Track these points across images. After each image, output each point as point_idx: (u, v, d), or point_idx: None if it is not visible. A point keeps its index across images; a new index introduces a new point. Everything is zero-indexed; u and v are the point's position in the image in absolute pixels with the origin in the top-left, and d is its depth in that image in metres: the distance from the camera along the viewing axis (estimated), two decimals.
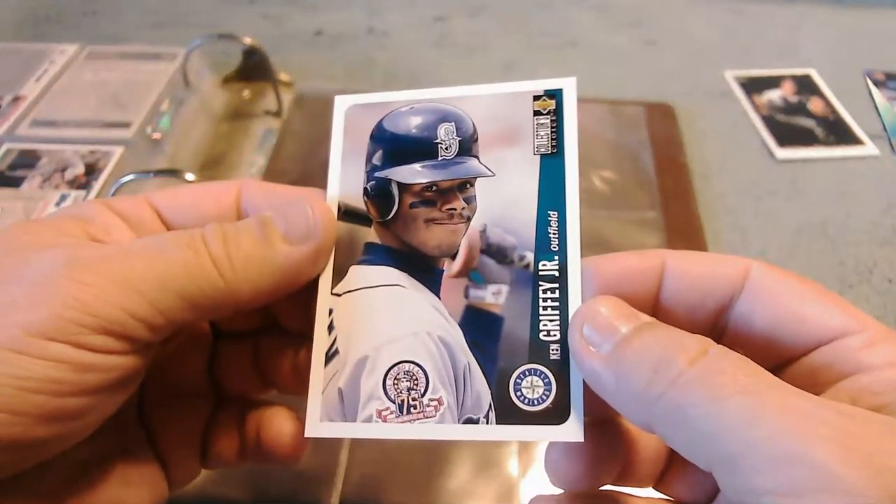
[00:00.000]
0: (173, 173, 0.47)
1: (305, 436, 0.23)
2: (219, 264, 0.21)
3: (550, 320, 0.22)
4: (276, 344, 0.26)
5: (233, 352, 0.27)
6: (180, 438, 0.25)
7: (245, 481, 0.37)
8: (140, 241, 0.21)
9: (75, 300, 0.18)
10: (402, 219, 0.24)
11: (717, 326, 0.22)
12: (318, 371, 0.23)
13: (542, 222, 0.23)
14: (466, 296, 0.23)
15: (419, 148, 0.24)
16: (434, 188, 0.24)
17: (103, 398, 0.20)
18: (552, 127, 0.24)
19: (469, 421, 0.22)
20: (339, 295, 0.24)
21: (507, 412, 0.22)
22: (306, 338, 0.24)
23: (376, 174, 0.25)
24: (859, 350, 0.19)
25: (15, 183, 0.49)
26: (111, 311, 0.19)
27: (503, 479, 0.38)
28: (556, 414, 0.21)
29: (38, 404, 0.18)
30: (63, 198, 0.48)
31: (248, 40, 0.60)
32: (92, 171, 0.50)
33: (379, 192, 0.24)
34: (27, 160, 0.51)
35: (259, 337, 0.27)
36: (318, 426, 0.23)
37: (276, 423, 0.25)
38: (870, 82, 0.67)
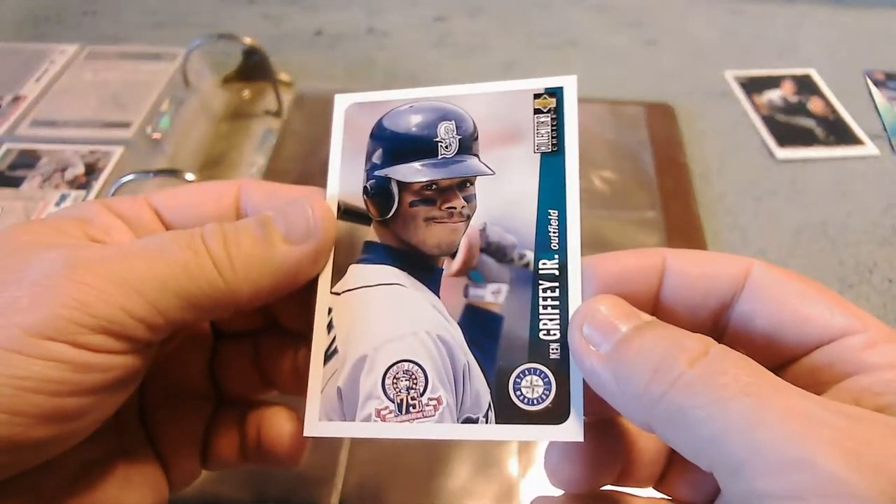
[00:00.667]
0: (173, 173, 0.47)
1: (304, 435, 0.23)
2: (219, 264, 0.21)
3: (550, 319, 0.22)
4: (276, 344, 0.26)
5: (233, 352, 0.27)
6: (181, 439, 0.25)
7: (245, 481, 0.37)
8: (140, 241, 0.21)
9: (75, 300, 0.18)
10: (401, 217, 0.24)
11: (718, 326, 0.21)
12: (317, 370, 0.23)
13: (542, 221, 0.23)
14: (466, 295, 0.23)
15: (419, 146, 0.24)
16: (434, 187, 0.24)
17: (102, 398, 0.20)
18: (552, 125, 0.24)
19: (468, 420, 0.22)
20: (338, 294, 0.24)
21: (506, 412, 0.21)
22: (306, 337, 0.24)
23: (376, 173, 0.25)
24: (861, 350, 0.19)
25: (15, 183, 0.49)
26: (111, 310, 0.19)
27: (503, 479, 0.38)
28: (556, 413, 0.21)
29: (37, 404, 0.18)
30: (63, 198, 0.48)
31: (248, 40, 0.60)
32: (92, 171, 0.50)
33: (379, 191, 0.24)
34: (27, 160, 0.51)
35: (259, 337, 0.27)
36: (316, 425, 0.23)
37: (276, 424, 0.25)
38: (870, 82, 0.67)
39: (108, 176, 0.50)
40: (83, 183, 0.49)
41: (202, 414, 0.26)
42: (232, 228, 0.22)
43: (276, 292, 0.22)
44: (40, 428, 0.18)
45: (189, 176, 0.46)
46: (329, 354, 0.23)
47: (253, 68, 0.63)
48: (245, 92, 0.63)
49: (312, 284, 0.24)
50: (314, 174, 0.54)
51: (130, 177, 0.46)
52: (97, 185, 0.49)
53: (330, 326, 0.23)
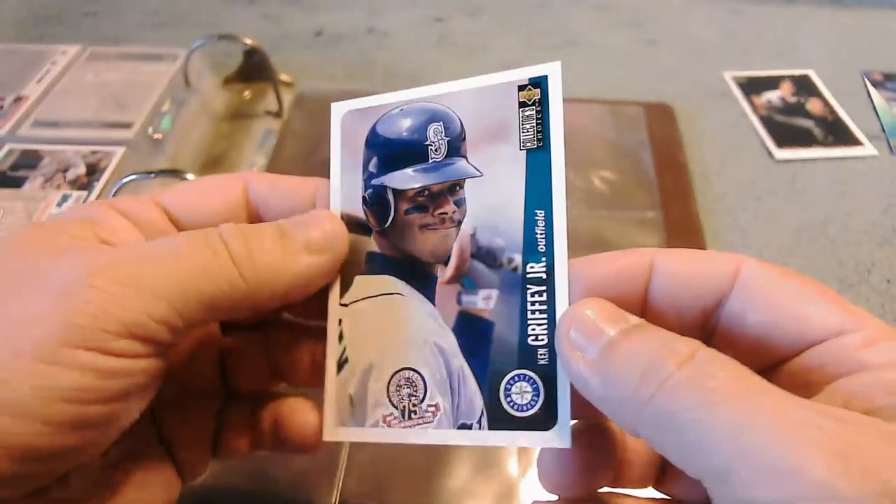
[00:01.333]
0: (174, 173, 0.47)
1: (323, 440, 0.24)
2: (240, 264, 0.21)
3: (538, 324, 0.22)
4: (283, 338, 0.27)
5: (241, 348, 0.27)
6: (192, 436, 0.26)
7: (244, 481, 0.37)
8: (156, 243, 0.21)
9: (97, 308, 0.18)
10: (398, 226, 0.24)
11: (708, 326, 0.21)
12: (331, 378, 0.24)
13: (529, 222, 0.22)
14: (459, 301, 0.23)
15: (410, 151, 0.24)
16: (426, 192, 0.24)
17: (129, 403, 0.20)
18: (537, 119, 0.23)
19: (463, 426, 0.22)
20: (346, 305, 0.24)
21: (498, 417, 0.21)
22: (313, 330, 0.24)
23: (373, 181, 0.24)
24: (858, 349, 0.18)
25: (17, 183, 0.50)
26: (133, 315, 0.19)
27: (503, 479, 0.38)
28: (544, 420, 0.21)
29: (65, 413, 0.18)
30: (65, 198, 0.48)
31: (248, 41, 0.60)
32: (93, 171, 0.50)
33: (376, 200, 0.24)
34: (29, 160, 0.51)
35: (267, 331, 0.27)
36: (333, 430, 0.24)
37: (299, 417, 0.25)
38: (868, 83, 0.67)
39: (110, 176, 0.50)
40: (85, 183, 0.50)
41: (212, 410, 0.26)
42: (254, 231, 0.22)
43: (288, 299, 0.22)
44: (72, 435, 0.18)
45: (190, 176, 0.46)
46: (341, 363, 0.24)
47: (253, 68, 0.63)
48: (246, 92, 0.64)
49: (321, 293, 0.24)
50: (314, 174, 0.54)
51: (132, 177, 0.46)
52: (99, 186, 0.49)
53: (341, 337, 0.24)
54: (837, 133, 0.61)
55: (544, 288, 0.22)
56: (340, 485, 0.37)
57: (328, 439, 0.24)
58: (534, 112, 0.23)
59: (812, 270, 0.50)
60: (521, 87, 0.23)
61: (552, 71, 0.23)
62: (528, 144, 0.23)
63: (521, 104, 0.23)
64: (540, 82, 0.23)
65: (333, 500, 0.37)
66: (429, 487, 0.37)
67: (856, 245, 0.52)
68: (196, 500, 0.36)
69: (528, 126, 0.23)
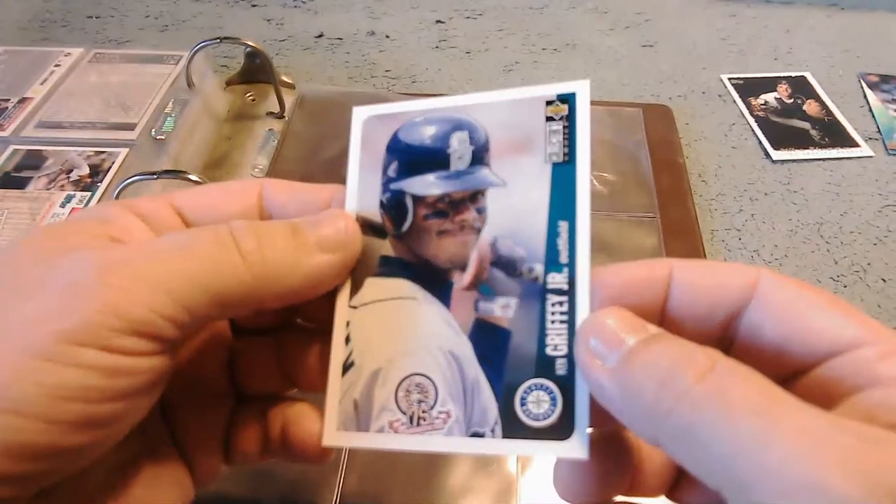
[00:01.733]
0: (177, 174, 0.47)
1: (323, 444, 0.23)
2: (249, 259, 0.20)
3: (558, 334, 0.21)
4: (295, 342, 0.26)
5: (252, 350, 0.27)
6: (203, 437, 0.25)
7: (245, 482, 0.38)
8: (164, 238, 0.21)
9: (106, 304, 0.18)
10: (416, 231, 0.24)
11: (727, 337, 0.21)
12: (335, 382, 0.23)
13: (551, 233, 0.22)
14: (476, 309, 0.23)
15: (432, 158, 0.24)
16: (447, 199, 0.24)
17: (135, 402, 0.19)
18: (564, 133, 0.23)
19: (476, 434, 0.22)
20: (355, 307, 0.24)
21: (512, 427, 0.21)
22: (324, 335, 0.24)
23: (391, 186, 0.24)
24: (874, 362, 0.18)
25: (21, 184, 0.50)
26: (141, 312, 0.19)
27: (502, 477, 0.38)
28: (561, 430, 0.21)
29: (72, 411, 0.18)
30: (69, 198, 0.49)
31: (250, 43, 0.60)
32: (97, 172, 0.51)
33: (394, 204, 0.24)
34: (33, 161, 0.52)
35: (278, 335, 0.27)
36: (334, 435, 0.23)
37: (303, 425, 0.25)
38: (864, 84, 0.68)
39: (113, 177, 0.50)
40: (88, 184, 0.50)
41: (223, 411, 0.26)
42: (265, 227, 0.22)
43: (298, 297, 0.22)
44: (77, 435, 0.18)
45: (193, 177, 0.46)
46: (347, 366, 0.23)
47: (255, 70, 0.64)
48: (248, 94, 0.64)
49: (330, 294, 0.24)
50: (316, 175, 0.54)
51: (135, 178, 0.47)
52: (102, 187, 0.50)
53: (348, 339, 0.24)
54: (833, 134, 0.62)
55: (565, 298, 0.22)
56: (341, 484, 0.38)
57: (328, 444, 0.23)
58: (561, 127, 0.23)
59: (808, 270, 0.51)
60: (549, 103, 0.23)
61: (581, 88, 0.23)
62: (555, 158, 0.23)
63: (549, 118, 0.23)
64: (568, 99, 0.23)
65: (334, 500, 0.37)
66: (429, 486, 0.38)
67: (851, 245, 0.53)
68: (196, 497, 0.37)
69: (554, 140, 0.23)
